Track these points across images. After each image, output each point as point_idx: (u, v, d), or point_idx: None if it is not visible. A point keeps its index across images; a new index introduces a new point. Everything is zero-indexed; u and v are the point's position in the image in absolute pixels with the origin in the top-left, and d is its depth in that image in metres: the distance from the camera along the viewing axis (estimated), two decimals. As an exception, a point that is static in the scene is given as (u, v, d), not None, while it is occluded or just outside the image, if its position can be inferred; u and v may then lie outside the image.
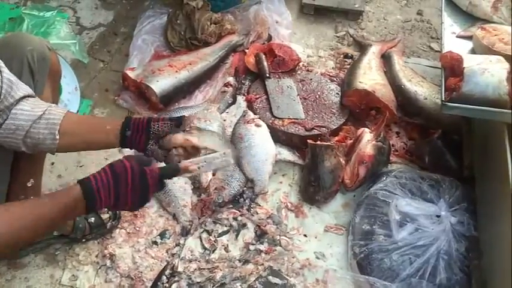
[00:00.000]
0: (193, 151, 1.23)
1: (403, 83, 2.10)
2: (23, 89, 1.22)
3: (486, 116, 1.57)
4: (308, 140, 1.87)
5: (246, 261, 1.66)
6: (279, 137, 1.99)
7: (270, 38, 2.45)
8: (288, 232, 1.76)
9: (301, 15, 2.67)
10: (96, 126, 1.28)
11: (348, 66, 2.31)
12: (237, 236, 1.74)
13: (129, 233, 1.72)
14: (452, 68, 1.67)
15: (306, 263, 1.67)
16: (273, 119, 2.03)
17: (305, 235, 1.76)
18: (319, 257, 1.70)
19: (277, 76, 2.23)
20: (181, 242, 1.71)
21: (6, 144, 1.22)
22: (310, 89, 2.18)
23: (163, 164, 1.21)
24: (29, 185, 1.45)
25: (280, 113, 2.05)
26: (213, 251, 1.70)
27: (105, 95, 2.23)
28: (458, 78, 1.60)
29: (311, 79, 2.23)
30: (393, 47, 2.38)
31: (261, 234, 1.74)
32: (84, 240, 1.68)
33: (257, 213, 1.79)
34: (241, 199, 1.83)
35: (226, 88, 2.22)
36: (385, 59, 2.30)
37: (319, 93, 2.16)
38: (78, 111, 2.07)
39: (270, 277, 1.60)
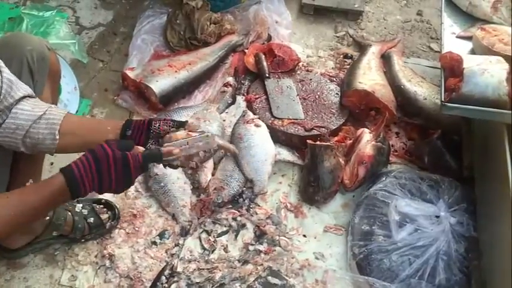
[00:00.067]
0: None
1: (403, 83, 2.10)
2: (23, 88, 1.22)
3: (486, 116, 1.57)
4: (307, 140, 1.87)
5: (245, 262, 1.66)
6: (278, 137, 1.99)
7: (269, 38, 2.45)
8: (287, 232, 1.76)
9: (300, 15, 2.67)
10: (97, 127, 1.28)
11: (348, 67, 2.31)
12: (236, 236, 1.74)
13: (128, 233, 1.72)
14: (452, 69, 1.67)
15: (305, 263, 1.67)
16: (272, 119, 2.03)
17: (304, 235, 1.76)
18: (318, 258, 1.70)
19: (276, 76, 2.23)
20: (181, 242, 1.71)
21: (5, 144, 1.22)
22: (309, 89, 2.18)
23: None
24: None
25: (279, 113, 2.05)
26: (212, 251, 1.70)
27: (105, 95, 2.23)
28: (458, 78, 1.60)
29: (311, 79, 2.23)
30: (393, 47, 2.38)
31: (260, 235, 1.74)
32: (83, 240, 1.68)
33: (256, 214, 1.79)
34: (241, 199, 1.83)
35: (225, 88, 2.22)
36: (385, 59, 2.30)
37: (318, 93, 2.16)
38: (77, 111, 2.07)
39: (269, 277, 1.60)
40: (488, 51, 1.70)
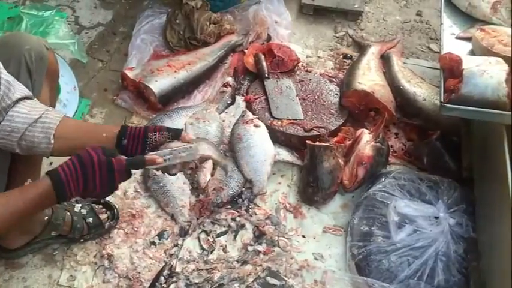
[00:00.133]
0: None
1: (402, 84, 2.10)
2: (21, 90, 1.22)
3: (485, 117, 1.57)
4: (307, 141, 1.86)
5: (244, 262, 1.66)
6: (277, 137, 1.98)
7: (269, 38, 2.45)
8: (286, 233, 1.75)
9: (300, 16, 2.67)
10: (92, 133, 1.29)
11: (347, 67, 2.31)
12: (235, 236, 1.74)
13: (127, 233, 1.72)
14: (452, 69, 1.67)
15: (304, 264, 1.67)
16: (272, 119, 2.03)
17: (303, 236, 1.76)
18: (317, 258, 1.70)
19: (276, 76, 2.22)
20: (180, 242, 1.71)
21: (1, 146, 1.22)
22: (309, 89, 2.18)
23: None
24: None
25: (279, 114, 2.05)
26: (211, 252, 1.69)
27: (104, 95, 2.22)
28: (458, 79, 1.60)
29: (310, 79, 2.23)
30: (392, 47, 2.38)
31: (259, 235, 1.74)
32: (82, 240, 1.68)
33: (255, 214, 1.79)
34: (240, 200, 1.83)
35: (225, 88, 2.22)
36: (384, 59, 2.30)
37: (318, 93, 2.16)
38: (76, 111, 2.07)
39: (268, 278, 1.59)
40: (488, 52, 1.69)
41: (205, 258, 1.67)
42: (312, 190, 1.82)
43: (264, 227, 1.75)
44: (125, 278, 1.61)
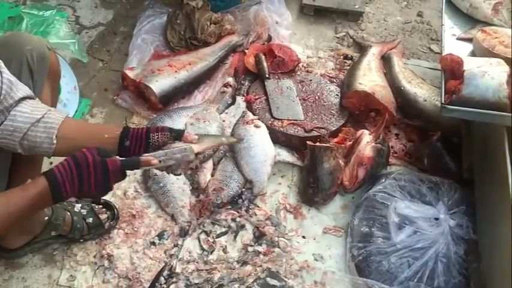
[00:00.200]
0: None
1: (403, 85, 2.10)
2: (23, 90, 1.21)
3: (486, 119, 1.57)
4: (307, 142, 1.86)
5: (244, 263, 1.66)
6: (278, 138, 1.98)
7: (269, 38, 2.45)
8: (286, 234, 1.75)
9: (301, 16, 2.66)
10: (94, 134, 1.29)
11: (348, 68, 2.31)
12: (235, 237, 1.74)
13: (127, 233, 1.72)
14: (453, 71, 1.66)
15: (304, 264, 1.67)
16: (272, 119, 2.03)
17: (303, 237, 1.76)
18: (317, 259, 1.70)
19: (276, 77, 2.22)
20: (180, 242, 1.71)
21: (3, 145, 1.22)
22: (309, 90, 2.18)
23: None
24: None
25: (279, 114, 2.04)
26: (211, 252, 1.69)
27: (104, 95, 2.22)
28: (458, 80, 1.60)
29: (311, 80, 2.22)
30: (393, 48, 2.37)
31: (259, 236, 1.73)
32: (82, 240, 1.68)
33: (256, 215, 1.79)
34: (240, 200, 1.83)
35: (225, 88, 2.22)
36: (385, 60, 2.29)
37: (318, 94, 2.16)
38: (77, 111, 2.07)
39: (268, 279, 1.59)
40: (489, 53, 1.69)
41: (205, 259, 1.67)
42: (312, 191, 1.82)
43: (264, 227, 1.75)
44: (125, 278, 1.61)
